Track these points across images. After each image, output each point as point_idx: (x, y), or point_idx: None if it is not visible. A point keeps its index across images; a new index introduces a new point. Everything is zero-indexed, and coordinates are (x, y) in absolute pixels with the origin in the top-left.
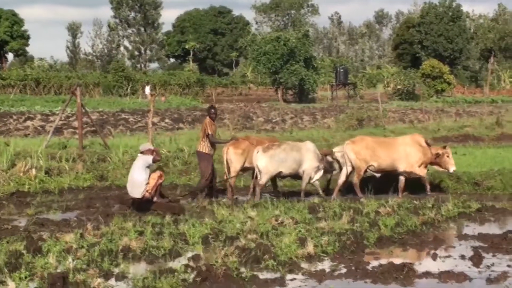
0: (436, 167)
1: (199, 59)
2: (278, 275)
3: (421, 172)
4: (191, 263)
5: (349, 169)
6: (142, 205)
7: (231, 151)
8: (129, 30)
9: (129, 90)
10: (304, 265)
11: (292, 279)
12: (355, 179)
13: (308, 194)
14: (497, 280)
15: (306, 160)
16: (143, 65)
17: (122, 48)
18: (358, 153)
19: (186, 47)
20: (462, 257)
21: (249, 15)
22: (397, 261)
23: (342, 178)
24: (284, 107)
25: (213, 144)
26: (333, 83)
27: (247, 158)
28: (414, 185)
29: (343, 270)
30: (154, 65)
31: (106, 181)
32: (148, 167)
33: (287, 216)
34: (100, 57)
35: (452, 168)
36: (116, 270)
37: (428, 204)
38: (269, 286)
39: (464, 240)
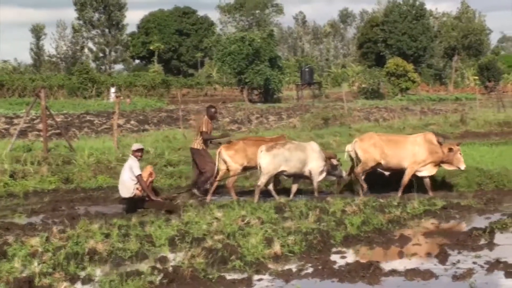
0: (445, 166)
1: (164, 60)
2: (245, 275)
3: (429, 171)
4: (158, 265)
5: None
6: (134, 205)
7: (223, 152)
8: (94, 32)
9: (94, 92)
10: (271, 265)
11: (259, 280)
12: (359, 169)
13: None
14: (463, 277)
15: (312, 159)
16: (107, 67)
17: (86, 50)
18: (366, 151)
19: (151, 48)
20: (428, 254)
21: (214, 16)
22: (363, 259)
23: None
24: (249, 107)
25: (205, 142)
26: (299, 82)
27: (246, 158)
28: (379, 183)
29: (310, 270)
30: (118, 67)
31: (71, 183)
32: (138, 167)
33: (254, 216)
34: (64, 59)
35: (463, 166)
36: (82, 274)
37: (394, 202)
38: (236, 287)
39: (430, 238)
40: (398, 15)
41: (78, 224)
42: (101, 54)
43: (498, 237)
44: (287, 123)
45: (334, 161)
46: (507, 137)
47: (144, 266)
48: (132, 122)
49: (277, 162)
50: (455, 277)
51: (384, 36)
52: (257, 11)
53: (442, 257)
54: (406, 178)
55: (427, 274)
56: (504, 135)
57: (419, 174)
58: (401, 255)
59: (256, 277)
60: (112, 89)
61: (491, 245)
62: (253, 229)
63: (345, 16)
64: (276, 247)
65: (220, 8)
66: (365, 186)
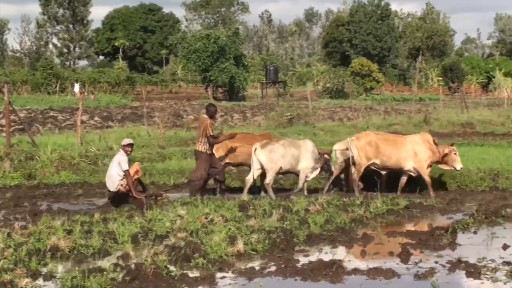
0: (442, 166)
1: (128, 56)
2: (208, 273)
3: (427, 171)
4: (121, 262)
5: (344, 165)
6: (117, 199)
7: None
8: (58, 27)
9: (57, 87)
10: (234, 263)
11: (222, 277)
12: (355, 176)
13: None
14: (425, 276)
15: (304, 158)
16: (72, 63)
17: (50, 45)
18: (361, 149)
19: (116, 44)
20: (391, 253)
21: (179, 13)
22: (326, 258)
23: (335, 172)
24: None
25: (211, 145)
26: (263, 81)
27: (230, 154)
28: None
29: (273, 268)
30: (83, 63)
31: (34, 179)
32: (127, 163)
33: (217, 214)
34: (28, 55)
35: (459, 166)
36: (44, 270)
37: (357, 201)
38: (199, 285)
39: (393, 237)
40: (363, 15)
41: (40, 220)
42: (65, 50)
43: (460, 237)
44: (251, 122)
45: (327, 156)
46: (470, 138)
47: (106, 263)
48: (96, 118)
49: (275, 157)
50: (417, 276)
51: (349, 36)
52: (222, 9)
53: (404, 256)
54: (426, 178)
55: (389, 273)
56: (466, 136)
57: (415, 174)
58: (363, 254)
59: (219, 274)
60: (76, 85)
61: (453, 245)
62: (217, 227)
63: (311, 15)
64: (239, 245)
65: (185, 5)
66: (357, 193)
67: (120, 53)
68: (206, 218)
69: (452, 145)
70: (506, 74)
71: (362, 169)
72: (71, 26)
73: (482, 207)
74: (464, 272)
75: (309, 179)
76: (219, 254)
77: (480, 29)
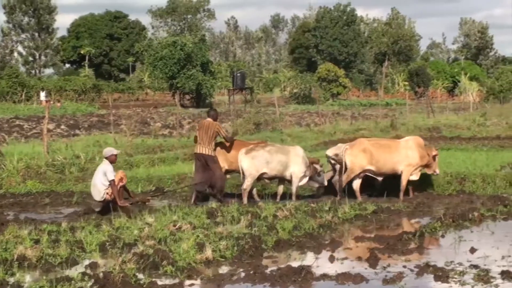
0: (425, 169)
1: (95, 64)
2: (176, 280)
3: (417, 175)
4: (88, 271)
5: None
6: (106, 207)
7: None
8: (23, 35)
9: (23, 96)
10: (203, 270)
11: (190, 285)
12: (344, 178)
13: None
14: (393, 281)
15: (294, 164)
16: (37, 71)
17: (15, 54)
18: (355, 157)
19: (82, 52)
20: (359, 258)
21: (145, 20)
22: (295, 264)
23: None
24: (181, 112)
25: (215, 149)
26: (230, 87)
27: (226, 161)
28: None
29: (242, 274)
30: (49, 71)
31: (0, 189)
32: (112, 172)
33: (185, 222)
34: None
35: (438, 170)
36: (11, 280)
37: (325, 207)
38: None
39: (361, 242)
40: (329, 21)
41: (7, 229)
42: (31, 58)
43: (428, 241)
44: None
45: (318, 167)
46: (436, 142)
47: (74, 272)
48: (62, 126)
49: (258, 164)
50: (385, 281)
51: (316, 42)
52: (188, 16)
53: (373, 261)
54: (404, 182)
55: (358, 278)
56: (433, 140)
57: (410, 178)
58: (332, 259)
59: (187, 282)
60: (42, 94)
61: (421, 249)
62: (185, 234)
63: (277, 22)
64: (208, 252)
65: (151, 12)
66: (339, 197)
67: (86, 60)
68: (174, 225)
69: (436, 150)
70: (471, 78)
71: (352, 176)
72: (36, 34)
73: (449, 210)
74: (432, 276)
75: (298, 185)
76: (187, 261)
77: (445, 34)
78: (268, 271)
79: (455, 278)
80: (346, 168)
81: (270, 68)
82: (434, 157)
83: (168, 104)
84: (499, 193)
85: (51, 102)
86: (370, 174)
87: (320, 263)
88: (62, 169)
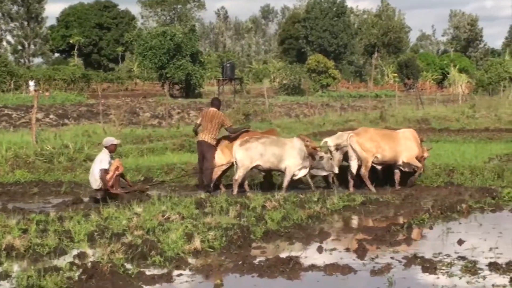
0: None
1: (84, 54)
2: (165, 271)
3: (419, 164)
4: (77, 261)
5: (355, 161)
6: (107, 195)
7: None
8: (12, 24)
9: (12, 85)
10: (191, 260)
11: (179, 275)
12: (363, 171)
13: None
14: (381, 272)
15: (289, 156)
16: (26, 60)
17: (4, 43)
18: (363, 145)
19: (71, 41)
20: (347, 249)
21: (135, 10)
22: (283, 254)
23: (352, 171)
24: (170, 102)
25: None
26: (220, 78)
27: (231, 155)
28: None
29: (230, 265)
30: (38, 60)
31: None
32: (107, 161)
33: (174, 212)
34: None
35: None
36: None
37: (314, 198)
38: (156, 282)
39: (349, 233)
40: (319, 12)
41: None
42: (19, 47)
43: (416, 233)
44: None
45: (321, 154)
46: (425, 134)
47: (62, 262)
48: (51, 116)
49: (251, 156)
50: (373, 272)
51: (305, 33)
52: (178, 6)
53: (361, 252)
54: (419, 168)
55: (346, 269)
56: (422, 132)
57: (404, 169)
58: (320, 250)
59: (176, 272)
60: (31, 83)
61: (408, 240)
62: (173, 225)
63: (267, 12)
64: (196, 243)
65: (141, 2)
66: (371, 187)
67: (76, 50)
68: (163, 215)
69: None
70: (460, 70)
71: (369, 164)
72: (25, 23)
73: (438, 202)
74: (420, 267)
75: (296, 177)
76: (176, 251)
77: (435, 26)
78: (256, 261)
79: (443, 269)
80: (358, 157)
81: (260, 59)
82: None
83: (157, 94)
84: (487, 185)
85: (40, 92)
86: (372, 163)
87: (309, 254)
88: (50, 159)
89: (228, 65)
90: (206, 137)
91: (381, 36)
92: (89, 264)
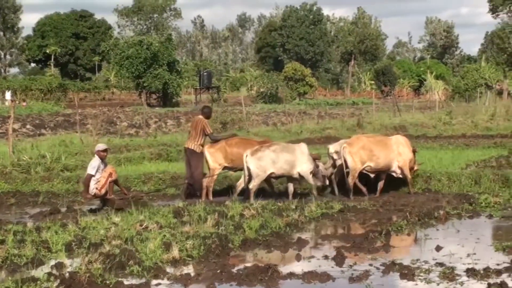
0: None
1: (60, 63)
2: (143, 280)
3: (409, 171)
4: (54, 271)
5: (345, 170)
6: (104, 202)
7: (206, 151)
8: None
9: None
10: (170, 269)
11: (157, 284)
12: (350, 180)
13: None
14: (359, 279)
15: (301, 162)
16: (3, 70)
17: None
18: (355, 154)
19: (47, 51)
20: (325, 257)
21: (111, 19)
22: (261, 263)
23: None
24: (148, 111)
25: (203, 144)
26: (197, 86)
27: (226, 158)
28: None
29: (209, 274)
30: (14, 70)
31: None
32: (94, 167)
33: (152, 221)
34: None
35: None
36: None
37: (292, 206)
38: None
39: (327, 241)
40: (296, 20)
41: None
42: None
43: (394, 239)
44: (185, 128)
45: (320, 164)
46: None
47: (40, 273)
48: (28, 126)
49: (264, 165)
50: (352, 279)
51: (282, 41)
52: (155, 15)
53: (339, 259)
54: (409, 176)
55: (324, 277)
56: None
57: (396, 175)
58: (298, 258)
59: (154, 282)
60: (8, 93)
61: (387, 247)
62: (152, 234)
63: (243, 21)
64: (175, 252)
65: (117, 11)
66: (352, 197)
67: (52, 60)
68: (141, 225)
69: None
70: (437, 77)
71: (356, 174)
72: (1, 33)
73: (415, 209)
74: (398, 274)
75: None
76: (154, 261)
77: (411, 33)
78: (234, 270)
79: (421, 276)
80: (347, 166)
81: (237, 67)
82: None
83: (134, 103)
84: (464, 192)
85: (17, 102)
86: (365, 171)
87: (287, 262)
88: (27, 169)
89: (205, 73)
90: (191, 144)
91: (357, 43)
92: (67, 274)
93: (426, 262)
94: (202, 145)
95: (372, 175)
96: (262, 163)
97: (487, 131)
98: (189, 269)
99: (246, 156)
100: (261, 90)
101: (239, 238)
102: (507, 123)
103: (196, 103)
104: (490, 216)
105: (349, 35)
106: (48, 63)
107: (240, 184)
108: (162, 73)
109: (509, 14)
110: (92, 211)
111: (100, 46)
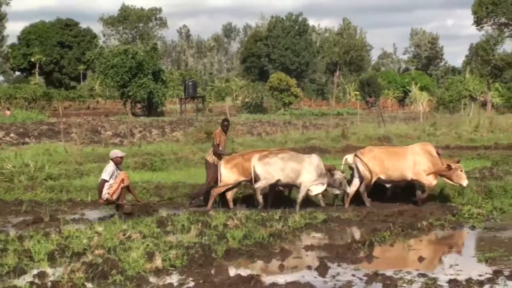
0: (446, 180)
1: (45, 72)
2: None
3: (429, 181)
4: (37, 280)
5: (358, 180)
6: (117, 207)
7: (221, 166)
8: None
9: None
10: (152, 279)
11: None
12: (362, 188)
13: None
14: None
15: (305, 172)
16: None
17: None
18: (366, 165)
19: (32, 60)
20: (309, 267)
21: (97, 28)
22: (244, 273)
23: (352, 188)
24: (132, 121)
25: (218, 155)
26: (182, 96)
27: (242, 174)
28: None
29: (191, 284)
30: None
31: None
32: (109, 173)
33: (135, 231)
34: None
35: (465, 182)
36: None
37: (276, 216)
38: None
39: (311, 251)
40: (281, 30)
41: None
42: None
43: (377, 250)
44: (170, 137)
45: (337, 174)
46: None
47: (22, 282)
48: (12, 135)
49: (272, 170)
50: None
51: (267, 51)
52: (140, 24)
53: (322, 269)
54: (427, 185)
55: (307, 287)
56: None
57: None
58: (282, 268)
59: None
60: None
61: (370, 258)
62: (135, 243)
63: (229, 31)
64: (158, 261)
65: (103, 20)
66: (368, 204)
67: (37, 68)
68: (124, 234)
69: (458, 161)
70: (421, 88)
71: (370, 184)
72: None
73: (399, 220)
74: (381, 284)
75: (312, 194)
76: (137, 270)
77: (396, 44)
78: (217, 280)
79: (404, 286)
80: (359, 176)
81: (222, 77)
82: (451, 168)
83: (119, 112)
84: (447, 203)
85: (0, 110)
86: (380, 182)
87: (270, 272)
88: (11, 178)
89: (190, 83)
90: (207, 155)
91: (342, 54)
92: (49, 283)
93: (409, 272)
94: (216, 156)
95: (388, 185)
96: (269, 169)
97: (471, 143)
98: (172, 279)
99: (254, 161)
100: (246, 100)
101: (223, 248)
102: (491, 134)
103: (181, 112)
104: (473, 227)
105: (335, 45)
106: (33, 71)
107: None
108: (147, 82)
109: (493, 26)
110: (101, 219)
111: (85, 55)
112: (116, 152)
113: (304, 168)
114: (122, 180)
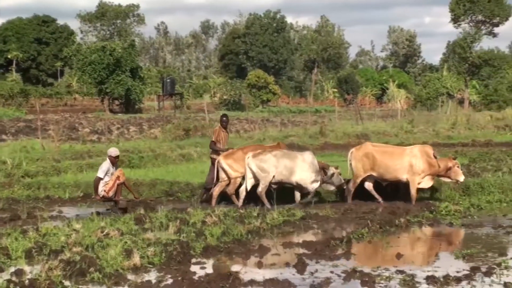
0: (443, 179)
1: (22, 69)
2: (103, 287)
3: (426, 184)
4: (14, 278)
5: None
6: (114, 204)
7: (221, 161)
8: None
9: None
10: (131, 276)
11: None
12: (350, 185)
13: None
14: (320, 286)
15: (300, 170)
16: None
17: None
18: (358, 160)
19: (9, 56)
20: (287, 264)
21: (74, 25)
22: (223, 270)
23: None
24: (110, 118)
25: (216, 151)
26: (160, 93)
27: (243, 167)
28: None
29: (170, 281)
30: None
31: None
32: (104, 171)
33: (113, 228)
34: None
35: (462, 178)
36: None
37: (254, 213)
38: None
39: (289, 248)
40: (259, 28)
41: None
42: None
43: (355, 247)
44: (148, 134)
45: (331, 170)
46: None
47: None
48: None
49: (267, 167)
50: (313, 287)
51: (246, 48)
52: (118, 21)
53: (301, 267)
54: (412, 190)
55: (286, 284)
56: None
57: (420, 185)
58: (260, 265)
59: None
60: None
61: (348, 255)
62: (113, 241)
63: (207, 28)
64: (136, 259)
65: (80, 17)
66: (350, 200)
67: (14, 65)
68: (102, 232)
69: (454, 158)
70: (399, 86)
71: (358, 180)
72: None
73: (377, 217)
74: (359, 281)
75: (306, 191)
76: (115, 268)
77: (374, 42)
78: (196, 277)
79: (382, 283)
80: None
81: (200, 74)
82: (449, 167)
83: (97, 109)
84: (425, 200)
85: None
86: (376, 179)
87: (248, 269)
88: None
89: (169, 80)
90: (211, 153)
91: (320, 51)
92: (27, 281)
93: (387, 269)
94: (215, 153)
95: (384, 184)
96: (263, 165)
97: (448, 140)
98: (150, 276)
99: (248, 158)
100: (224, 97)
101: (201, 245)
102: (468, 132)
103: (159, 109)
104: (451, 224)
105: (312, 43)
106: (10, 68)
107: (243, 191)
108: (125, 79)
109: (470, 24)
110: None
111: (63, 51)
112: (111, 151)
113: (297, 166)
114: (118, 177)
